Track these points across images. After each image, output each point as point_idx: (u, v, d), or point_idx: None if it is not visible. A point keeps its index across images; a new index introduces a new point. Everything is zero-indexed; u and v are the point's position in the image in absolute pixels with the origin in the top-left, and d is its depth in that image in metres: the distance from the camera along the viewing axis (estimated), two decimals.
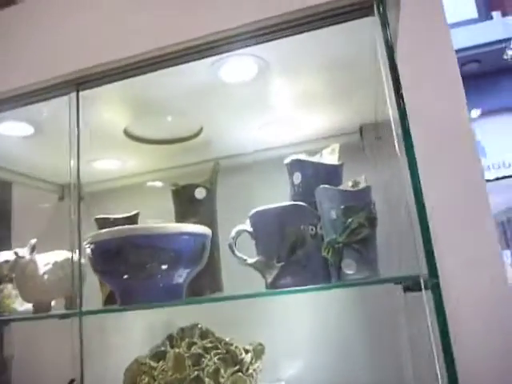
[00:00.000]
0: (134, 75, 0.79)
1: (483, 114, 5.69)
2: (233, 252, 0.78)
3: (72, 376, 1.31)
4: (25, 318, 1.06)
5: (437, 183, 1.03)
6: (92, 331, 1.39)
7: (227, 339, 1.07)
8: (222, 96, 0.97)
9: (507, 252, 4.86)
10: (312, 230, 0.75)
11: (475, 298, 0.98)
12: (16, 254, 0.86)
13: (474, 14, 5.89)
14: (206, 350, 1.02)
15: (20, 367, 1.42)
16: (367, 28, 0.75)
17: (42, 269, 0.88)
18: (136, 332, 1.36)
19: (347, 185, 0.90)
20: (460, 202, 1.04)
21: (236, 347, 1.05)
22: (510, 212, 5.58)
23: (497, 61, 5.60)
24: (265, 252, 0.74)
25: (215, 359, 1.00)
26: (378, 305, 1.16)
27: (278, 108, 1.07)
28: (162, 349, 1.03)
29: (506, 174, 5.60)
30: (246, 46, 0.80)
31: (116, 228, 0.80)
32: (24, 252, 0.86)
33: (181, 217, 1.11)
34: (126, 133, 1.08)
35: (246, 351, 1.05)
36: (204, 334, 1.08)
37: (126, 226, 0.79)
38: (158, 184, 1.42)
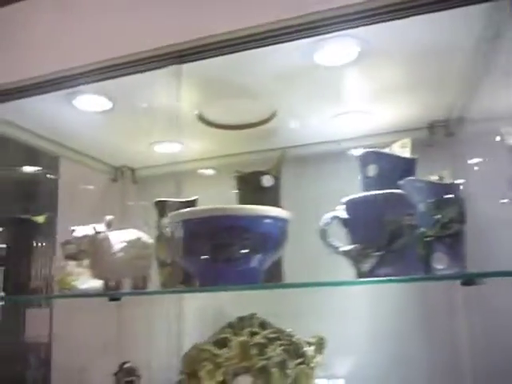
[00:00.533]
0: (230, 52, 0.77)
1: None
2: (324, 239, 0.76)
3: (121, 359, 1.30)
4: (88, 295, 1.04)
5: None
6: (136, 316, 1.39)
7: (288, 330, 1.05)
8: (302, 81, 0.95)
9: None
10: (409, 219, 0.73)
11: None
12: (94, 229, 0.84)
13: None
14: (269, 340, 1.00)
15: (62, 348, 1.41)
16: (475, 15, 0.73)
17: (116, 246, 0.87)
18: (185, 318, 1.34)
19: (432, 178, 0.88)
20: None
21: (299, 339, 1.02)
22: None
23: None
24: (361, 240, 0.72)
25: (279, 350, 0.98)
26: (437, 298, 1.14)
27: (355, 98, 1.05)
28: (224, 336, 1.01)
29: None
30: (342, 29, 0.77)
31: (204, 207, 0.78)
32: (101, 228, 0.84)
33: (246, 204, 1.09)
34: (199, 116, 1.06)
35: (309, 344, 1.03)
36: (263, 325, 1.06)
37: (215, 206, 0.77)
38: (209, 172, 1.40)
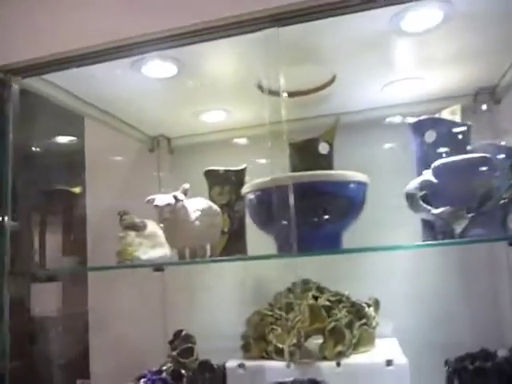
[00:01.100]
0: (317, 18, 0.77)
1: None
2: (414, 202, 0.78)
3: (167, 329, 1.32)
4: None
5: None
6: (178, 286, 1.39)
7: (346, 293, 1.08)
8: (366, 48, 0.95)
9: None
10: (496, 182, 0.75)
11: None
12: (175, 197, 0.83)
13: None
14: (332, 303, 1.03)
15: (103, 319, 1.42)
16: None
17: (192, 214, 0.86)
18: (223, 288, 1.35)
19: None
20: None
21: (358, 301, 1.06)
22: None
23: None
24: (452, 203, 0.74)
25: (344, 311, 1.01)
26: (481, 259, 1.19)
27: (410, 65, 1.05)
28: (289, 301, 1.04)
29: None
30: None
31: (294, 174, 0.79)
32: (181, 196, 0.84)
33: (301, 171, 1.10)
34: (259, 85, 1.05)
35: (368, 305, 1.07)
36: (320, 289, 1.09)
37: (305, 172, 0.78)
38: (244, 140, 1.40)
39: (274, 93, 1.12)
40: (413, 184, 0.79)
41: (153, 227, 1.09)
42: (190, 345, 1.15)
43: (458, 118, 1.06)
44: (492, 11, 0.84)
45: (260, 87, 1.08)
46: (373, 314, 1.06)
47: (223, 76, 1.02)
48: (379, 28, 0.85)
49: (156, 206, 0.83)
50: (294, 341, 0.95)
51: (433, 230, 0.83)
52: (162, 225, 0.86)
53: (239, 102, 1.18)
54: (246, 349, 1.03)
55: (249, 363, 0.99)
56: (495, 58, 1.04)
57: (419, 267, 1.24)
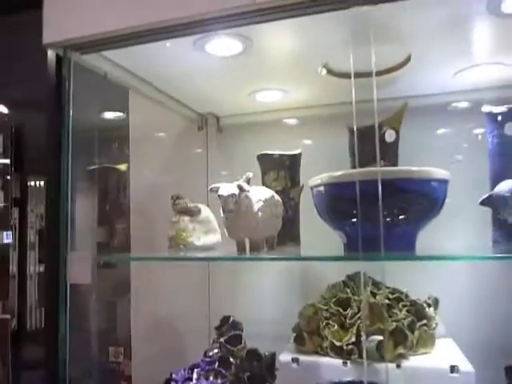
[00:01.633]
0: None
1: None
2: (505, 205, 0.71)
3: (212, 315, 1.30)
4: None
5: None
6: (224, 270, 1.36)
7: (405, 291, 1.03)
8: (440, 30, 0.86)
9: None
10: None
11: None
12: (240, 187, 0.78)
13: None
14: (391, 301, 0.99)
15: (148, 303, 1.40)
16: None
17: (255, 205, 0.82)
18: (272, 275, 1.31)
19: None
20: None
21: (418, 300, 1.01)
22: None
23: None
24: None
25: (404, 311, 0.97)
26: None
27: (491, 49, 0.96)
28: (346, 296, 0.99)
29: None
30: None
31: (371, 169, 0.73)
32: (245, 186, 0.79)
33: (364, 161, 1.03)
34: (327, 68, 0.98)
35: (428, 305, 1.02)
36: (376, 284, 1.04)
37: (386, 168, 0.72)
38: (295, 121, 1.33)
39: (341, 74, 1.06)
40: (505, 186, 0.72)
41: (206, 212, 1.06)
42: (238, 332, 1.13)
43: None
44: None
45: (326, 68, 1.01)
46: (433, 314, 1.01)
47: (288, 55, 0.95)
48: (472, 10, 0.76)
49: (220, 195, 0.79)
50: (353, 339, 0.91)
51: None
52: (223, 215, 0.82)
53: (299, 83, 1.11)
54: (299, 342, 1.00)
55: (303, 358, 0.96)
56: None
57: (478, 263, 1.17)
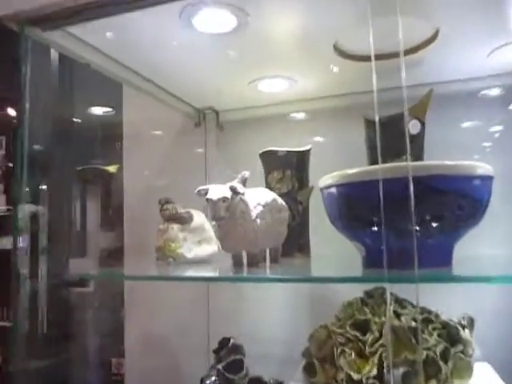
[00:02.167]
0: None
1: None
2: None
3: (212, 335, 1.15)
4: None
5: None
6: (225, 285, 1.21)
7: (435, 310, 0.87)
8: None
9: None
10: None
11: None
12: (233, 189, 0.64)
13: None
14: (418, 322, 0.83)
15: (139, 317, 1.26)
16: None
17: (253, 211, 0.67)
18: (279, 290, 1.16)
19: None
20: None
21: (451, 321, 0.85)
22: None
23: None
24: None
25: (436, 336, 0.81)
26: None
27: None
28: (364, 318, 0.84)
29: None
30: None
31: (397, 165, 0.58)
32: (240, 188, 0.64)
33: (385, 157, 0.88)
34: (336, 48, 0.83)
35: (463, 327, 0.86)
36: (400, 302, 0.88)
37: (417, 163, 0.57)
38: (302, 115, 1.18)
39: (357, 56, 0.90)
40: None
41: (200, 219, 0.91)
42: (239, 356, 0.98)
43: None
44: None
45: (340, 49, 0.86)
46: (469, 337, 0.84)
47: (292, 34, 0.80)
48: None
49: (208, 200, 0.64)
50: (374, 371, 0.76)
51: None
52: (214, 223, 0.67)
53: (308, 69, 0.96)
54: (310, 371, 0.85)
55: None
56: None
57: None
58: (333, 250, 0.90)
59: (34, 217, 0.84)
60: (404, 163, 0.57)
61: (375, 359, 0.77)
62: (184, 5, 0.68)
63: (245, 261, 0.70)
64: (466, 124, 1.02)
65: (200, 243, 0.88)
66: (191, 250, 0.86)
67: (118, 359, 1.38)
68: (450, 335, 0.83)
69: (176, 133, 1.26)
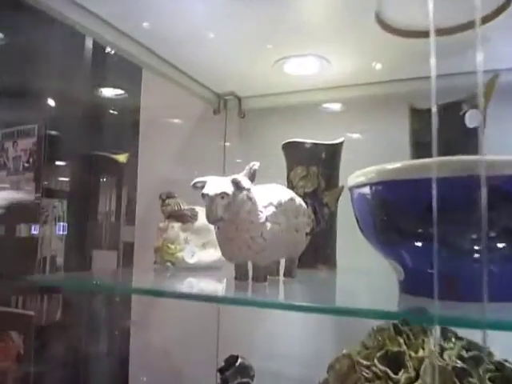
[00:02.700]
0: None
1: None
2: None
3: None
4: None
5: None
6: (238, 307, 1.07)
7: (488, 347, 0.71)
8: None
9: None
10: None
11: None
12: (237, 183, 0.50)
13: None
14: (465, 361, 0.67)
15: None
16: None
17: (263, 212, 0.53)
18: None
19: None
20: None
21: (507, 362, 0.69)
22: None
23: None
24: None
25: (487, 381, 0.65)
26: None
27: None
28: (397, 350, 0.68)
29: None
30: None
31: (458, 159, 0.43)
32: (246, 182, 0.51)
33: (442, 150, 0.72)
34: (379, 18, 0.68)
35: None
36: (444, 333, 0.72)
37: (493, 158, 0.42)
38: (338, 105, 1.03)
39: (402, 31, 0.75)
40: None
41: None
42: (246, 380, 0.84)
43: None
44: None
45: (381, 20, 0.71)
46: None
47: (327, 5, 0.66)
48: None
49: (204, 195, 0.51)
50: None
51: None
52: (213, 227, 0.54)
53: (343, 47, 0.81)
54: None
55: None
56: None
57: None
58: (364, 262, 0.75)
59: None
60: (475, 157, 0.42)
61: None
62: None
63: (251, 273, 0.56)
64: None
65: (204, 246, 0.75)
66: (194, 253, 0.73)
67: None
68: (506, 380, 0.67)
69: (194, 120, 1.14)
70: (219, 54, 0.86)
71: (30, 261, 1.33)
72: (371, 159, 0.85)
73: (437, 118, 0.73)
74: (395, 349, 0.68)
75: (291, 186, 0.82)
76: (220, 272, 0.76)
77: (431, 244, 0.43)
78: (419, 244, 0.44)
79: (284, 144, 0.84)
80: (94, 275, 0.93)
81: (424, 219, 0.41)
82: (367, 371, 0.67)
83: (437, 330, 0.65)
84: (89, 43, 1.42)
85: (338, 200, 0.81)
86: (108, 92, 1.43)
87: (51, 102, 1.67)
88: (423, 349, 0.67)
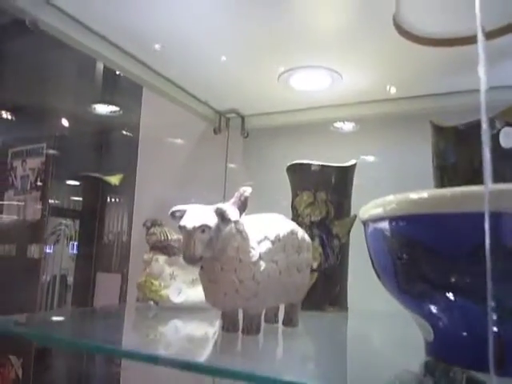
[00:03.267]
0: None
1: None
2: None
3: None
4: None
5: None
6: None
7: None
8: None
9: None
10: None
11: None
12: (221, 213, 0.41)
13: None
14: None
15: None
16: None
17: (255, 249, 0.44)
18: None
19: None
20: None
21: None
22: None
23: None
24: None
25: None
26: None
27: None
28: None
29: None
30: None
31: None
32: (233, 212, 0.41)
33: (461, 176, 0.62)
34: (396, 23, 0.59)
35: None
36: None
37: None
38: (351, 125, 0.93)
39: (423, 40, 0.65)
40: None
41: None
42: None
43: None
44: None
45: (398, 25, 0.61)
46: None
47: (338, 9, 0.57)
48: None
49: (181, 227, 0.41)
50: None
51: None
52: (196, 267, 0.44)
53: (357, 59, 0.72)
54: None
55: None
56: None
57: None
58: (380, 304, 0.64)
59: None
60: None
61: None
62: None
63: (241, 323, 0.46)
64: None
65: (193, 283, 0.64)
66: (180, 291, 0.63)
67: None
68: None
69: (194, 140, 1.05)
70: (219, 68, 0.77)
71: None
72: (388, 184, 0.75)
73: (465, 136, 0.64)
74: None
75: (296, 213, 0.72)
76: (211, 312, 0.66)
77: (471, 299, 0.33)
78: (453, 298, 0.33)
79: (288, 166, 0.74)
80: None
81: (463, 266, 0.30)
82: None
83: None
84: (95, 63, 1.38)
85: (349, 231, 0.71)
86: (108, 109, 1.36)
87: (54, 122, 1.62)
88: None
